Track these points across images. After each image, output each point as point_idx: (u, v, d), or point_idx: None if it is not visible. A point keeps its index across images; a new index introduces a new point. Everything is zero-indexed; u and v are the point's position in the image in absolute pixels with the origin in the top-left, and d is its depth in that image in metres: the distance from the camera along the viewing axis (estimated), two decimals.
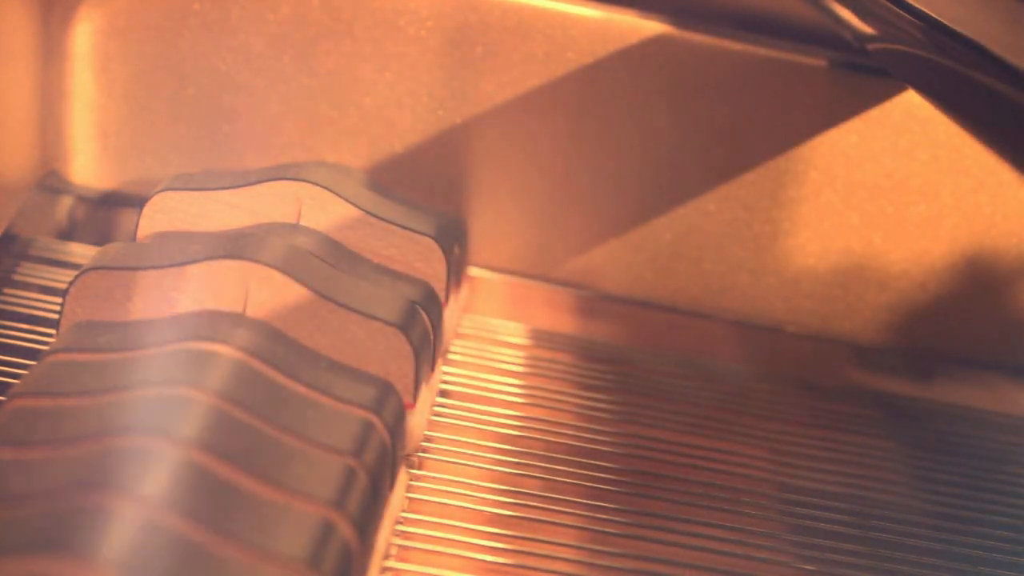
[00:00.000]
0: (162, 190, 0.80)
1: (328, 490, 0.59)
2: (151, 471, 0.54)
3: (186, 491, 0.54)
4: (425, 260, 0.80)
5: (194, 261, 0.70)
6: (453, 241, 0.84)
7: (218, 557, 0.53)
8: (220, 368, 0.62)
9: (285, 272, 0.70)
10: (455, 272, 0.84)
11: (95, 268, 0.71)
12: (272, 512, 0.57)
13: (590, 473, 0.76)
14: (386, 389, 0.68)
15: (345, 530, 0.58)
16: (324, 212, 0.80)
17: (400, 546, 0.68)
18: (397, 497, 0.69)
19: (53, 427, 0.59)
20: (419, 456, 0.75)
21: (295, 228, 0.78)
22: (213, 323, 0.67)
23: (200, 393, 0.60)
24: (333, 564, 0.56)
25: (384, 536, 0.65)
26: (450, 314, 0.83)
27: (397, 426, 0.67)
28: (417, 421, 0.73)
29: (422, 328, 0.73)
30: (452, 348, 0.86)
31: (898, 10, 0.65)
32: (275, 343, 0.67)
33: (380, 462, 0.64)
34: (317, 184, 0.80)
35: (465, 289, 0.92)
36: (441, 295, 0.79)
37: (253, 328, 0.67)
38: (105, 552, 0.50)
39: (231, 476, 0.57)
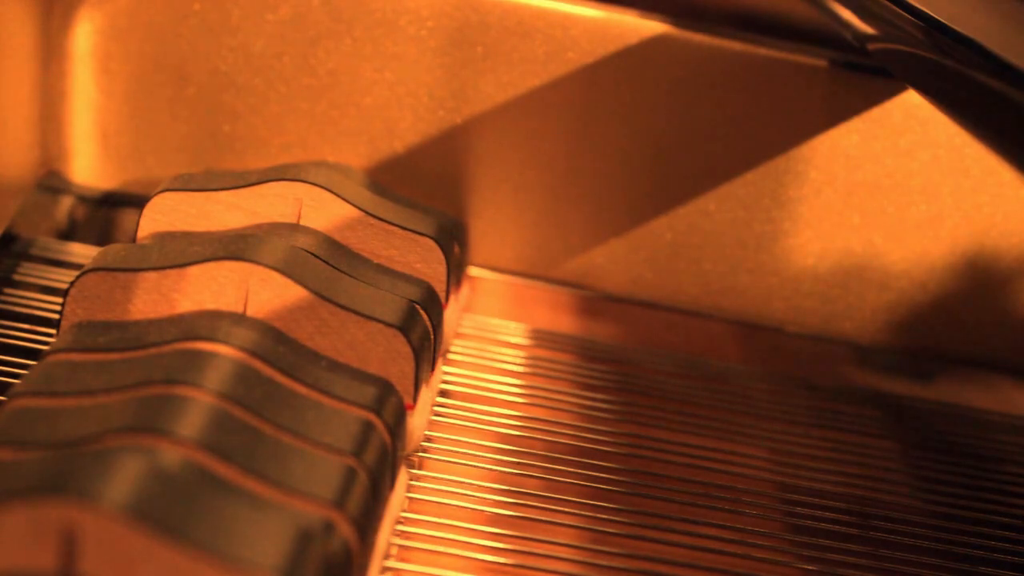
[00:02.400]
0: (162, 191, 0.80)
1: (328, 490, 0.59)
2: (151, 470, 0.54)
3: (186, 490, 0.54)
4: (425, 260, 0.80)
5: (194, 262, 0.70)
6: (453, 241, 0.84)
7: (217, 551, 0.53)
8: (220, 368, 0.63)
9: (285, 273, 0.70)
10: (455, 272, 0.84)
11: (95, 269, 0.71)
12: (272, 511, 0.57)
13: (590, 473, 0.76)
14: (386, 389, 0.68)
15: (345, 530, 0.58)
16: (324, 212, 0.80)
17: (400, 546, 0.68)
18: (397, 497, 0.69)
19: (53, 427, 0.59)
20: (419, 456, 0.75)
21: (295, 228, 0.78)
22: (213, 323, 0.67)
23: (200, 393, 0.60)
24: (333, 562, 0.56)
25: (384, 536, 0.65)
26: (450, 314, 0.84)
27: (397, 426, 0.67)
28: (417, 422, 0.73)
29: (422, 329, 0.73)
30: (452, 348, 0.86)
31: (898, 10, 0.65)
32: (275, 343, 0.67)
33: (380, 462, 0.64)
34: (317, 184, 0.80)
35: (465, 289, 0.92)
36: (441, 295, 0.79)
37: (253, 328, 0.67)
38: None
39: (230, 476, 0.57)
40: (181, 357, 0.63)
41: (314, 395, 0.65)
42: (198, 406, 0.59)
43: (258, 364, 0.65)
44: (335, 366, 0.69)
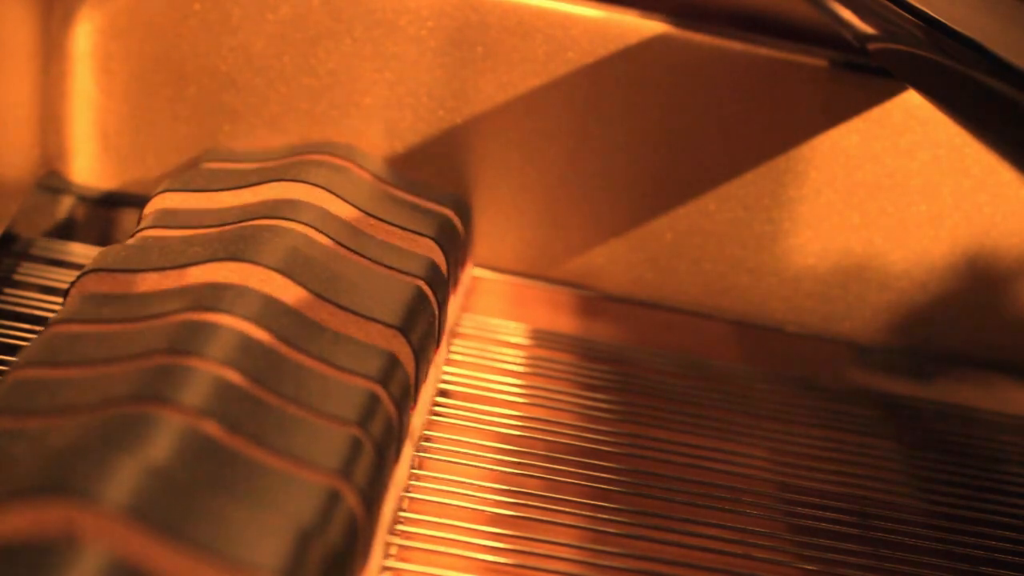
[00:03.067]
0: (162, 191, 0.80)
1: (334, 460, 0.59)
2: (155, 437, 0.54)
3: (190, 455, 0.54)
4: None
5: (195, 263, 0.70)
6: (453, 240, 0.84)
7: (222, 518, 0.53)
8: (224, 338, 0.63)
9: (285, 274, 0.70)
10: (457, 262, 0.84)
11: (96, 270, 0.71)
12: (277, 479, 0.57)
13: (590, 473, 0.76)
14: (392, 362, 0.68)
15: (351, 499, 0.58)
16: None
17: (400, 546, 0.68)
18: (402, 471, 0.69)
19: (54, 397, 0.59)
20: (419, 456, 0.75)
21: (297, 205, 0.77)
22: (217, 294, 0.67)
23: (204, 363, 0.60)
24: (339, 532, 0.56)
25: (390, 509, 0.65)
26: (453, 307, 0.84)
27: (403, 399, 0.67)
28: (418, 421, 0.73)
29: (422, 329, 0.73)
30: (452, 348, 0.86)
31: (898, 10, 0.65)
32: (280, 314, 0.67)
33: (386, 434, 0.64)
34: (317, 185, 0.80)
35: (468, 274, 0.92)
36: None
37: (257, 299, 0.67)
38: (108, 499, 0.50)
39: (236, 443, 0.57)
40: (185, 328, 0.63)
41: (319, 366, 0.65)
42: (202, 376, 0.59)
43: (262, 335, 0.65)
44: (340, 338, 0.68)
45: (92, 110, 0.93)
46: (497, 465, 0.76)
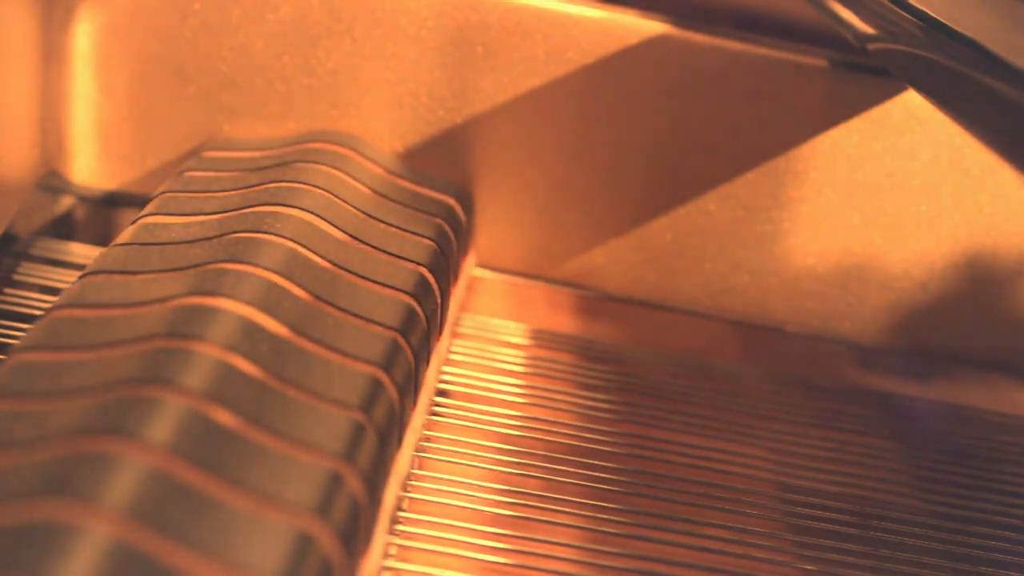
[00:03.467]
0: (163, 191, 0.80)
1: (336, 443, 0.59)
2: (157, 420, 0.54)
3: (191, 439, 0.54)
4: None
5: (195, 265, 0.70)
6: (456, 220, 0.84)
7: (224, 504, 0.53)
8: (225, 323, 0.63)
9: (285, 276, 0.70)
10: (459, 250, 0.84)
11: (96, 271, 0.71)
12: (279, 462, 0.57)
13: (590, 473, 0.76)
14: (395, 347, 0.68)
15: (353, 483, 0.58)
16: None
17: (400, 546, 0.68)
18: (403, 463, 0.69)
19: (55, 380, 0.59)
20: (419, 456, 0.75)
21: (296, 191, 0.77)
22: (218, 279, 0.67)
23: (205, 346, 0.60)
24: (341, 515, 0.56)
25: (391, 496, 0.65)
26: (454, 297, 0.84)
27: (405, 384, 0.67)
28: (418, 421, 0.73)
29: (421, 330, 0.73)
30: (452, 348, 0.86)
31: (898, 10, 0.65)
32: (282, 299, 0.67)
33: (388, 418, 0.64)
34: (317, 187, 0.80)
35: (469, 263, 0.92)
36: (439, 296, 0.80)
37: (258, 284, 0.67)
38: (110, 497, 0.50)
39: (238, 427, 0.57)
40: (186, 312, 0.63)
41: (322, 351, 0.65)
42: (204, 359, 0.59)
43: (264, 319, 0.65)
44: (342, 323, 0.69)
45: (92, 110, 0.93)
46: (497, 465, 0.76)
